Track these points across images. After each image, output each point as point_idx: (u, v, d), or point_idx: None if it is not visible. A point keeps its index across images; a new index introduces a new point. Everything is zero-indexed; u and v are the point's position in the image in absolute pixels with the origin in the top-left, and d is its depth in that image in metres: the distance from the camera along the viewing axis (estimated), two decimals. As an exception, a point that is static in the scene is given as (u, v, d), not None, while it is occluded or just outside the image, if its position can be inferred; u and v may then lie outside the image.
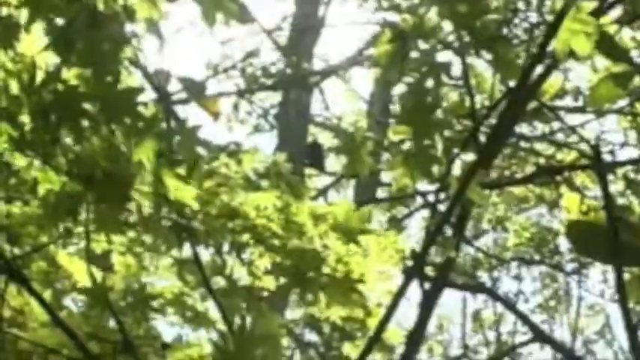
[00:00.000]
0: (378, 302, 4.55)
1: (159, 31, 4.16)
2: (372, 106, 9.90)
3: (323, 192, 10.36)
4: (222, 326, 4.45)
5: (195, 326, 4.60)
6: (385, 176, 9.27)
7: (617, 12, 5.11)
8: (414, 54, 4.50)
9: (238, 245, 4.50)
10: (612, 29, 4.36)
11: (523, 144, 8.94)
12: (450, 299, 12.21)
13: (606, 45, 4.27)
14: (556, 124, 8.55)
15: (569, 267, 11.10)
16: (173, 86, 4.55)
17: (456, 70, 4.70)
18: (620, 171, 8.28)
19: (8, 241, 4.34)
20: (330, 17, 10.64)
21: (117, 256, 4.59)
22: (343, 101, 11.27)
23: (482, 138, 4.76)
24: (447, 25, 4.57)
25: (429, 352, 12.59)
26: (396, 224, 9.06)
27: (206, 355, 4.43)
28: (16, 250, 4.39)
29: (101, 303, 4.43)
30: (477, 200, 4.37)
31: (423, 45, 4.51)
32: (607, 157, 8.22)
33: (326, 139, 10.20)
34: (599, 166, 6.16)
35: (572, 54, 4.12)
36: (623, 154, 8.83)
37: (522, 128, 8.68)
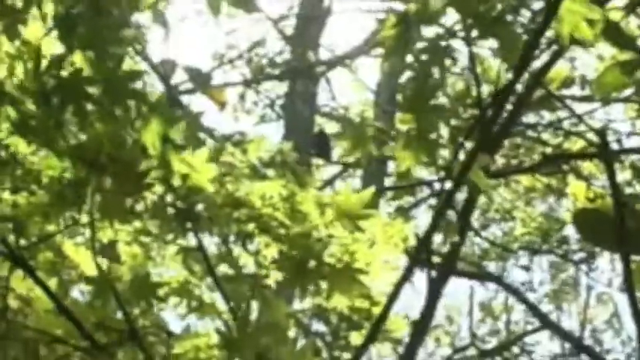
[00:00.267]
0: (384, 292, 4.54)
1: (164, 20, 4.16)
2: (379, 96, 9.87)
3: (330, 182, 10.35)
4: (228, 315, 4.45)
5: (201, 315, 4.60)
6: (392, 167, 9.25)
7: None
8: (417, 38, 4.48)
9: (244, 235, 4.49)
10: (618, 16, 4.35)
11: (530, 133, 8.91)
12: (459, 290, 12.20)
13: (612, 33, 4.25)
14: (563, 113, 8.51)
15: (578, 256, 11.09)
16: (179, 76, 4.55)
17: (463, 59, 4.69)
18: (627, 160, 8.25)
19: (14, 231, 4.34)
20: (336, 6, 10.63)
21: (123, 246, 4.60)
22: (350, 91, 11.27)
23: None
24: (452, 14, 4.56)
25: (437, 342, 12.59)
26: (403, 213, 9.03)
27: (213, 345, 4.43)
28: (23, 241, 4.39)
29: (107, 293, 4.43)
30: (480, 185, 4.35)
31: (426, 30, 4.50)
32: (614, 146, 8.18)
33: (333, 129, 10.17)
34: (606, 154, 6.14)
35: (577, 41, 4.11)
36: (630, 143, 8.80)
37: (529, 117, 8.65)
